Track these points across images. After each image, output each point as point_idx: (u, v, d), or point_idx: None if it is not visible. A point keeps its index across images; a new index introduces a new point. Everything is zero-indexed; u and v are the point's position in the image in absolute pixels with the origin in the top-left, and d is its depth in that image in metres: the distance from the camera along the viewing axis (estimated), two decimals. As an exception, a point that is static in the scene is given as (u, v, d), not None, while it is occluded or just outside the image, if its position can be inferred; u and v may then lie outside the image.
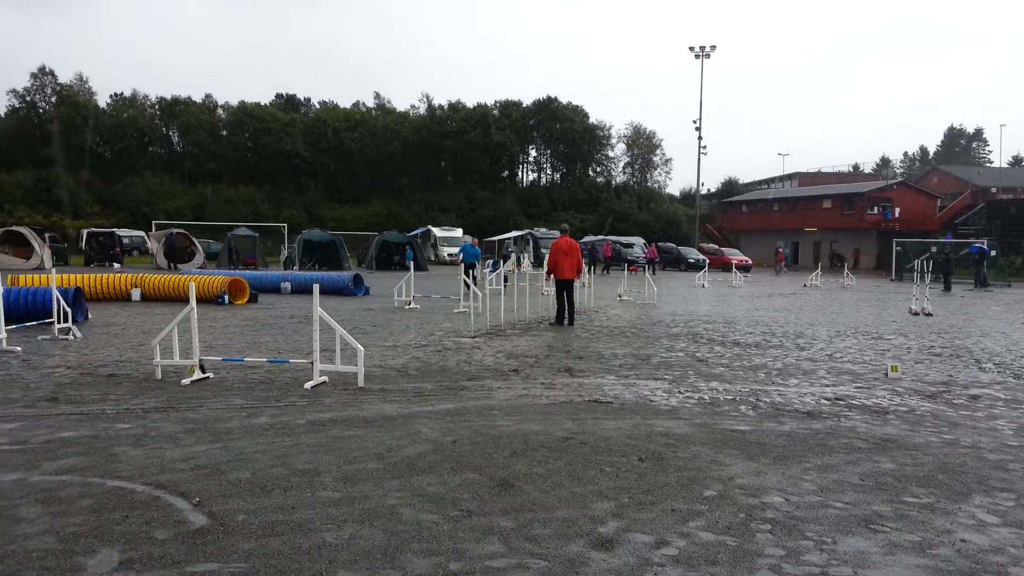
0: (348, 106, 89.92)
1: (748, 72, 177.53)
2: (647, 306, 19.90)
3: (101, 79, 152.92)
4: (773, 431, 6.39)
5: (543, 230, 54.39)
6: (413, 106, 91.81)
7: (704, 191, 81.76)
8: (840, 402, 7.70)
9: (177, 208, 64.26)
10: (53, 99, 76.85)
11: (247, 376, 8.51)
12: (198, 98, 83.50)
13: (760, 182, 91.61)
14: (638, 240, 53.28)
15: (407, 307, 17.78)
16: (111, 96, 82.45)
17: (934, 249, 39.87)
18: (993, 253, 38.84)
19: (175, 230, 39.55)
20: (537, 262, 39.19)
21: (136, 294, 18.64)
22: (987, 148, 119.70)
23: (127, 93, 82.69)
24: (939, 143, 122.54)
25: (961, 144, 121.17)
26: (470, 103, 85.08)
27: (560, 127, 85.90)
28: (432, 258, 51.51)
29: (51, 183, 63.77)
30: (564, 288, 14.64)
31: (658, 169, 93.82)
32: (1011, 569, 3.73)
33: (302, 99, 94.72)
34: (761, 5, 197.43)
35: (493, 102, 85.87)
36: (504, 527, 4.12)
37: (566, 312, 14.59)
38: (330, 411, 6.83)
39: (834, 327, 15.21)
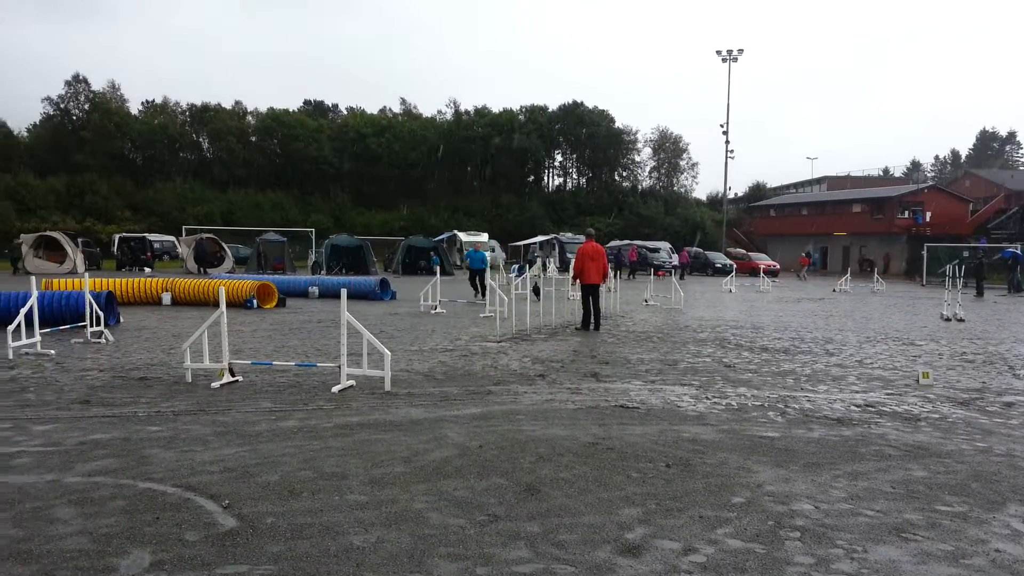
0: (375, 112, 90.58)
1: (776, 76, 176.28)
2: (673, 311, 19.80)
3: (133, 86, 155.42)
4: (802, 438, 6.33)
5: (569, 235, 54.21)
6: (440, 111, 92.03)
7: (731, 195, 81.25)
8: (870, 409, 7.61)
9: (207, 213, 64.97)
10: (86, 106, 78.01)
11: (275, 380, 8.59)
12: (228, 105, 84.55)
13: (788, 186, 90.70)
14: (664, 245, 53.02)
15: (433, 311, 17.84)
16: (143, 103, 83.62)
17: (966, 254, 39.25)
18: (1026, 258, 38.08)
19: (205, 235, 39.98)
20: (563, 267, 39.10)
21: (167, 298, 18.88)
22: (1020, 151, 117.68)
23: (158, 100, 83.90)
24: (971, 146, 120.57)
25: (994, 147, 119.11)
26: (496, 108, 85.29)
27: (586, 132, 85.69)
28: (458, 263, 51.58)
29: (84, 188, 64.78)
30: (590, 293, 14.61)
31: (684, 173, 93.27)
32: (1047, 580, 3.66)
33: (329, 105, 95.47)
34: (788, 8, 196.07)
35: (519, 107, 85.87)
36: (531, 532, 4.11)
37: (592, 317, 14.56)
38: (357, 415, 6.87)
39: (864, 333, 15.03)
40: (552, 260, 44.90)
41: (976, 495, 4.92)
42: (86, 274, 13.09)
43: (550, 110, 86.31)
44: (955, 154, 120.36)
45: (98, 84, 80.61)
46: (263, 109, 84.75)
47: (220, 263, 39.02)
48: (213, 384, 8.11)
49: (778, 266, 51.63)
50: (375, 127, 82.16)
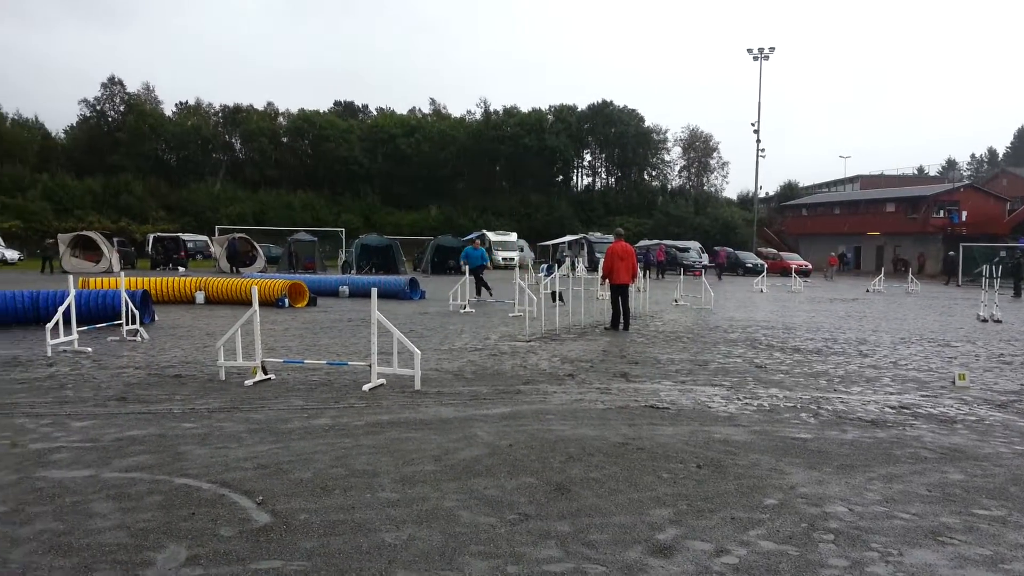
0: (404, 112, 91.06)
1: (807, 74, 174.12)
2: (703, 311, 19.66)
3: (167, 88, 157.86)
4: (835, 439, 6.26)
5: (598, 234, 54.08)
6: (469, 111, 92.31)
7: (762, 194, 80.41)
8: (905, 411, 7.50)
9: (239, 213, 65.81)
10: (122, 108, 79.38)
11: (307, 378, 8.67)
12: (260, 106, 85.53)
13: (820, 185, 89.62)
14: (694, 244, 52.66)
15: (462, 311, 17.89)
16: (176, 104, 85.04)
17: (1003, 254, 38.53)
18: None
19: (237, 235, 40.45)
20: (592, 267, 38.99)
21: (200, 297, 19.13)
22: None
23: (191, 102, 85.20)
24: (1008, 144, 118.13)
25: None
26: (525, 108, 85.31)
27: (615, 131, 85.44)
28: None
29: (119, 189, 65.90)
30: (619, 293, 14.57)
31: (715, 173, 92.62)
32: (1089, 586, 3.59)
33: (360, 106, 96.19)
34: (820, 5, 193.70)
35: (548, 107, 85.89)
36: (561, 532, 4.11)
37: (621, 317, 14.52)
38: (388, 413, 6.91)
39: (898, 333, 14.82)
40: (581, 260, 44.82)
41: (1015, 499, 4.83)
42: (122, 273, 13.29)
43: (579, 109, 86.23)
44: (992, 152, 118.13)
45: (133, 86, 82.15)
46: (294, 110, 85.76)
47: (252, 263, 39.46)
48: (246, 382, 8.21)
49: (810, 266, 51.05)
50: (405, 127, 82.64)
